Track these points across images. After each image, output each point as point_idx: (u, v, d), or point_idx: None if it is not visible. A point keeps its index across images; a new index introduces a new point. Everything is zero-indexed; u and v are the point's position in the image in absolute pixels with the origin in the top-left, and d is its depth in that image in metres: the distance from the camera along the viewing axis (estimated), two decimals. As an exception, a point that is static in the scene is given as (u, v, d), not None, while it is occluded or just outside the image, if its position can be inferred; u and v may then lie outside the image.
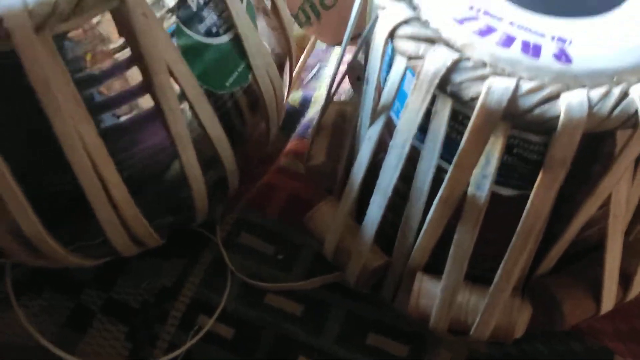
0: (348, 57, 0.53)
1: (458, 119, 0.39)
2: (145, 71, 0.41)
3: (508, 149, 0.39)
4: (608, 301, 0.45)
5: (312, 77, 0.67)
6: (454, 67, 0.37)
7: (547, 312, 0.45)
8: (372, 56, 0.42)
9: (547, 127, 0.36)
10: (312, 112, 0.64)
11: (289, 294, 0.55)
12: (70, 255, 0.47)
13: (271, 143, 0.56)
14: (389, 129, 0.43)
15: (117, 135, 0.43)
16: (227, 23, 0.46)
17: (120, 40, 0.41)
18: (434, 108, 0.39)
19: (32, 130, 0.41)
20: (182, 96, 0.44)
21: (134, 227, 0.46)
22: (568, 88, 0.36)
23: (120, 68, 0.41)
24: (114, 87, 0.42)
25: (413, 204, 0.43)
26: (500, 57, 0.37)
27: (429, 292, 0.45)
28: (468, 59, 0.37)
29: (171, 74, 0.42)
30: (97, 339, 0.54)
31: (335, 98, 0.57)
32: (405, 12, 0.39)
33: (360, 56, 0.51)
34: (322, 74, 0.68)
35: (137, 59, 0.41)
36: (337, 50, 0.67)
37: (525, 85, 0.36)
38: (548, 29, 0.39)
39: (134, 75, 0.42)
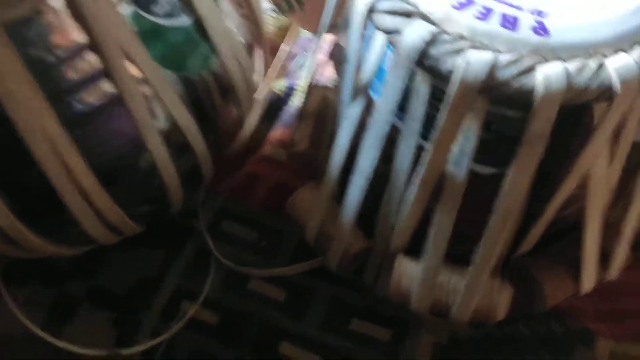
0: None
1: (437, 97, 0.39)
2: (101, 56, 0.40)
3: (486, 126, 0.39)
4: (588, 281, 0.45)
5: (297, 66, 0.67)
6: (432, 41, 0.37)
7: (527, 293, 0.45)
8: (351, 34, 0.42)
9: (524, 100, 0.36)
10: (297, 101, 0.64)
11: (273, 281, 0.55)
12: (49, 245, 0.47)
13: (251, 130, 0.55)
14: (369, 109, 0.43)
15: (86, 122, 0.43)
16: (187, 4, 0.45)
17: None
18: (413, 85, 0.39)
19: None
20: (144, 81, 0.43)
21: (108, 215, 0.46)
22: (546, 60, 0.36)
23: (79, 53, 0.41)
24: (81, 70, 0.41)
25: (393, 185, 0.43)
26: (478, 30, 0.37)
27: (410, 273, 0.45)
28: (446, 32, 0.37)
29: (129, 58, 0.41)
30: (83, 325, 0.54)
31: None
32: (383, -13, 0.39)
33: (344, 42, 0.50)
34: (307, 62, 0.68)
35: (93, 44, 0.40)
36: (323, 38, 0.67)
37: (503, 58, 0.36)
38: (526, 1, 0.39)
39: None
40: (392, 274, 0.45)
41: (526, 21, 0.37)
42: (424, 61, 0.37)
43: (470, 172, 0.40)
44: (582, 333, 0.52)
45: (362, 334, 0.53)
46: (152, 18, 0.44)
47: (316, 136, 0.53)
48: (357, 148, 0.44)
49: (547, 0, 0.39)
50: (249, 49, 0.53)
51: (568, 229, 0.45)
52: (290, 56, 0.67)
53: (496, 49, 0.36)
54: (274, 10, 0.60)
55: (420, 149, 0.41)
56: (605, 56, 0.36)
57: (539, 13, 0.38)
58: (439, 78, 0.37)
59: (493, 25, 0.37)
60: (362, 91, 0.42)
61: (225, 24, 0.48)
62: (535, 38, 0.37)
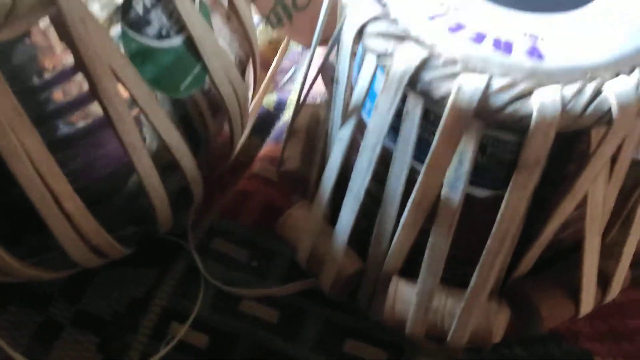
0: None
1: (430, 119, 0.38)
2: (89, 78, 0.39)
3: (481, 149, 0.38)
4: (587, 303, 0.45)
5: (287, 80, 0.66)
6: (423, 65, 0.36)
7: (525, 316, 0.45)
8: (342, 55, 0.41)
9: (520, 125, 0.35)
10: (288, 116, 0.63)
11: (265, 301, 0.54)
12: (29, 269, 0.46)
13: (240, 148, 0.54)
14: (361, 130, 0.42)
15: (72, 144, 0.42)
16: (178, 24, 0.44)
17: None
18: (405, 107, 0.38)
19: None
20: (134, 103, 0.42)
21: (93, 238, 0.44)
22: (541, 85, 0.35)
23: (67, 75, 0.40)
24: (69, 93, 0.40)
25: (386, 207, 0.42)
26: (471, 54, 0.36)
27: (405, 297, 0.44)
28: (438, 56, 0.36)
29: (119, 80, 0.40)
30: (67, 351, 0.53)
31: (312, 101, 0.56)
32: (374, 9, 0.38)
33: (334, 57, 0.50)
34: (298, 76, 0.67)
35: (80, 65, 0.39)
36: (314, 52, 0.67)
37: (497, 83, 0.35)
38: (520, 25, 0.38)
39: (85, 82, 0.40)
40: (386, 297, 0.45)
41: (520, 45, 0.37)
42: (416, 85, 0.36)
43: (466, 195, 0.39)
44: (580, 354, 0.51)
45: (357, 356, 0.52)
46: (142, 39, 0.43)
47: (306, 154, 0.52)
48: (349, 168, 0.43)
49: (541, 24, 0.38)
50: (241, 65, 0.52)
51: (566, 251, 0.45)
52: (281, 70, 0.66)
53: (490, 74, 0.35)
54: (264, 23, 0.59)
55: (413, 172, 0.40)
56: (603, 80, 0.35)
57: (534, 36, 0.37)
58: (431, 102, 0.36)
59: (486, 49, 0.36)
60: (354, 113, 0.41)
61: (217, 42, 0.47)
62: (529, 62, 0.36)
